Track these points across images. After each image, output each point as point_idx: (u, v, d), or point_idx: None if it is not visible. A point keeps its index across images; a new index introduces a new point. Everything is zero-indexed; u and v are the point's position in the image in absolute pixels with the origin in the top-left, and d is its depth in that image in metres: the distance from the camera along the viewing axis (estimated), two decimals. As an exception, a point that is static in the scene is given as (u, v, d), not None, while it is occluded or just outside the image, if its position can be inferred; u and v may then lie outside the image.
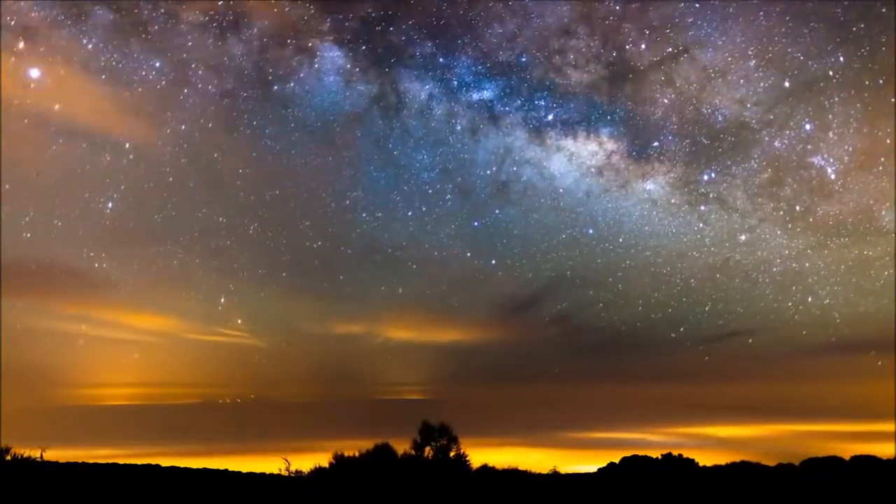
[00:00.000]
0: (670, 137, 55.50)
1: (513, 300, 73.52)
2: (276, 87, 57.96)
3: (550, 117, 58.01)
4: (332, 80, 59.92)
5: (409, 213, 66.14)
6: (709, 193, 58.53)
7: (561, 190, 62.20)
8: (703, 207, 59.75)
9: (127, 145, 56.43)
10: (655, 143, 56.62)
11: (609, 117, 57.62)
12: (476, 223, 66.63)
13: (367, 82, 60.02)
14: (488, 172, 62.76)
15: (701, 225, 60.38)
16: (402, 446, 13.22)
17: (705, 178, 57.84)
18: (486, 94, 60.95)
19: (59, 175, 55.54)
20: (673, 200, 59.94)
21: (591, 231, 63.17)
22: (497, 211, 65.84)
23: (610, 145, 58.75)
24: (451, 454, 12.87)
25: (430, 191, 64.28)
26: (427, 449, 12.97)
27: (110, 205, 58.95)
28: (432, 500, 11.03)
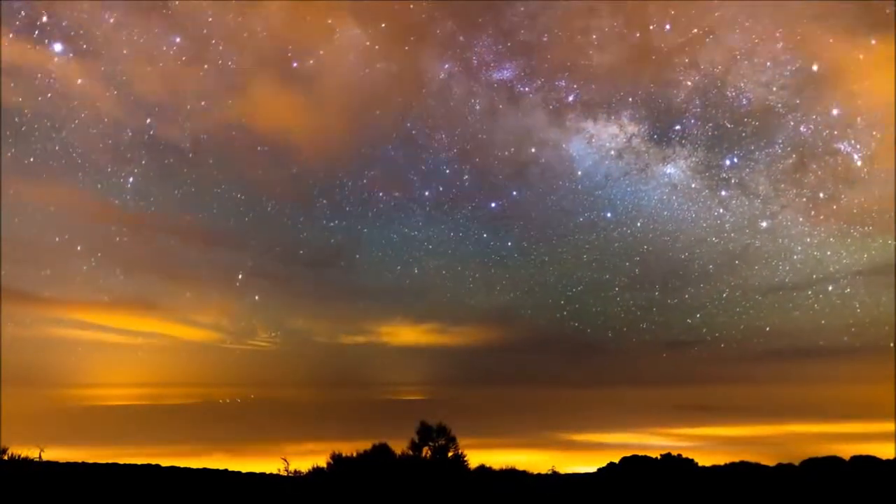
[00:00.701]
0: (693, 121, 53.47)
1: (528, 282, 71.85)
2: (295, 64, 56.73)
3: (571, 98, 56.16)
4: (351, 58, 58.35)
5: (427, 193, 64.86)
6: (730, 178, 56.19)
7: (579, 172, 60.28)
8: (723, 193, 57.44)
9: (148, 120, 56.03)
10: (677, 127, 54.69)
11: (631, 99, 55.64)
12: (493, 204, 65.02)
13: (386, 60, 58.40)
14: (506, 154, 60.86)
15: (721, 210, 58.09)
16: (402, 447, 13.17)
17: (727, 162, 55.53)
18: (506, 74, 58.83)
19: (82, 149, 55.26)
20: (693, 185, 57.91)
21: (608, 214, 61.60)
22: (514, 192, 64.18)
23: (631, 128, 56.56)
24: (450, 454, 12.84)
25: (448, 171, 62.84)
26: (425, 449, 12.93)
27: (131, 179, 58.67)
28: (429, 501, 11.00)
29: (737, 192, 56.44)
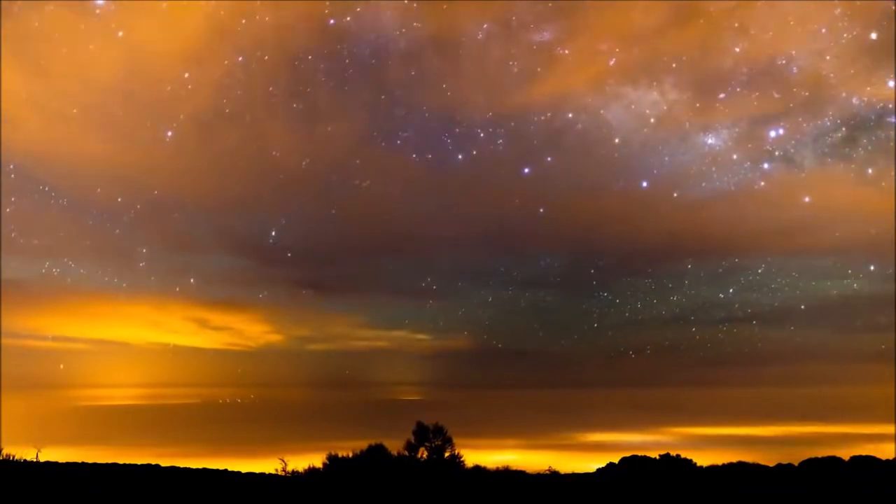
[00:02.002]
0: (738, 89, 50.56)
1: (560, 248, 69.83)
2: (332, 21, 55.37)
3: (612, 63, 53.31)
4: (388, 17, 56.48)
5: (460, 157, 63.13)
6: (774, 151, 53.43)
7: (617, 140, 57.78)
8: (766, 165, 54.72)
9: (186, 75, 55.49)
10: (722, 95, 51.82)
11: (674, 65, 52.40)
12: (526, 170, 62.89)
13: (423, 20, 56.25)
14: (542, 118, 58.56)
15: (762, 183, 55.58)
16: (398, 447, 13.13)
17: (772, 134, 52.75)
18: (546, 37, 56.13)
19: (121, 103, 54.95)
20: (734, 156, 55.29)
21: (644, 184, 59.25)
22: (549, 158, 61.86)
23: (673, 95, 53.75)
24: (446, 455, 12.81)
25: (482, 134, 60.88)
26: (421, 449, 12.90)
27: (170, 133, 58.30)
28: (424, 500, 10.97)
29: (780, 165, 53.83)
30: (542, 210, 65.12)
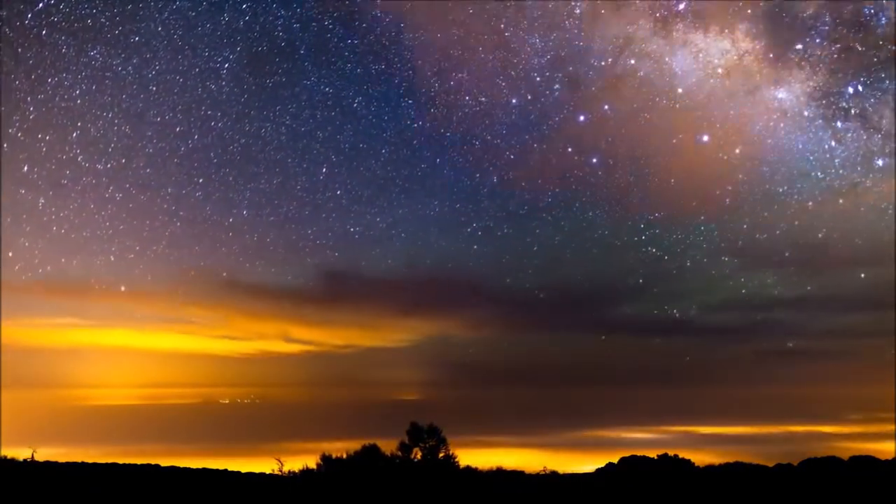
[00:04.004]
0: (818, 40, 45.31)
1: (608, 200, 67.00)
2: None
3: (682, 6, 49.85)
4: None
5: (514, 101, 61.21)
6: (850, 109, 47.51)
7: (680, 90, 53.78)
8: (839, 124, 48.48)
9: (244, 6, 54.85)
10: (798, 46, 46.27)
11: (749, 11, 48.23)
12: (582, 118, 60.34)
13: None
14: (603, 64, 55.31)
15: (833, 143, 49.64)
16: (393, 447, 13.05)
17: (850, 90, 46.67)
18: None
19: (172, 33, 54.72)
20: (806, 113, 49.48)
21: (705, 138, 55.68)
22: (606, 107, 59.30)
23: (745, 44, 47.64)
24: (440, 455, 12.71)
25: (538, 78, 58.56)
26: (415, 450, 12.80)
27: (227, 66, 57.70)
28: (417, 501, 10.90)
29: (855, 125, 48.21)
30: (594, 160, 61.98)
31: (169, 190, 66.61)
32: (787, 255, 59.79)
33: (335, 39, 58.26)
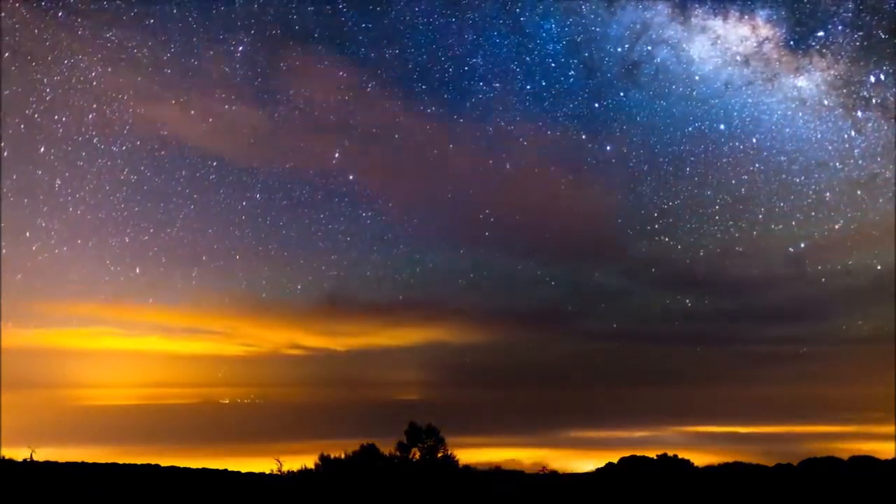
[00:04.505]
0: (840, 27, 44.42)
1: (622, 189, 65.62)
2: None
3: None
4: None
5: (528, 87, 60.27)
6: (871, 98, 46.50)
7: (697, 77, 52.37)
8: (860, 113, 47.74)
9: None
10: (820, 33, 45.40)
11: None
12: (597, 104, 59.34)
13: None
14: (619, 50, 53.48)
15: (853, 133, 48.90)
16: (391, 447, 13.04)
17: (872, 79, 45.54)
18: None
19: (187, 16, 54.87)
20: (826, 102, 48.58)
21: (722, 126, 54.21)
22: (622, 94, 58.11)
23: (765, 31, 47.47)
24: (439, 455, 12.71)
25: (553, 64, 57.47)
26: (414, 450, 12.80)
27: (241, 49, 57.59)
28: (416, 501, 10.90)
29: (876, 114, 47.23)
30: (608, 147, 60.99)
31: (183, 173, 66.46)
32: (802, 245, 58.49)
33: (349, 23, 57.62)
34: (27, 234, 62.47)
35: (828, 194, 53.82)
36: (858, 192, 52.72)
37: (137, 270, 70.39)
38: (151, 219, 68.56)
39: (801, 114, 50.46)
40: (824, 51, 46.31)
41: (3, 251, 60.93)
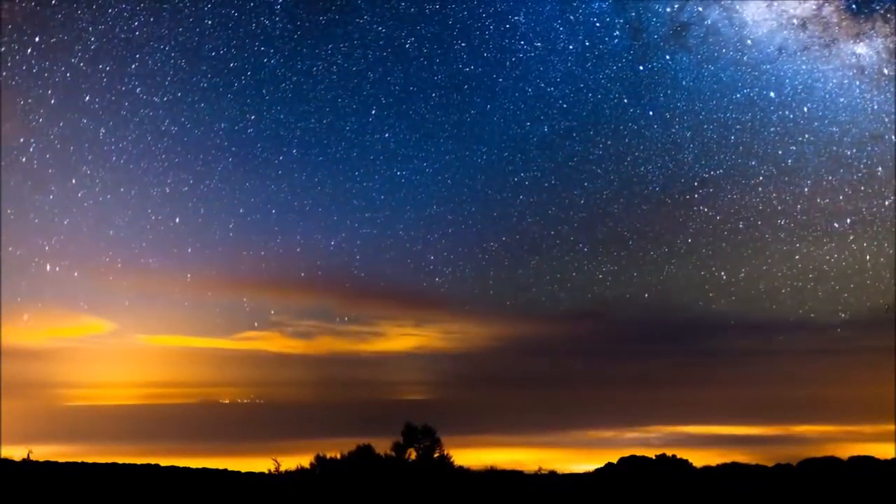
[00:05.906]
0: None
1: (662, 156, 62.64)
2: None
3: None
4: None
5: (571, 47, 57.59)
6: None
7: (749, 41, 49.06)
8: None
9: None
10: None
11: None
12: (641, 67, 53.95)
13: None
14: (668, 10, 49.84)
15: None
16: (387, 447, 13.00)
17: None
18: None
19: None
20: (886, 71, 45.75)
21: (772, 94, 50.68)
22: (668, 57, 53.25)
23: None
24: (435, 455, 12.68)
25: (598, 24, 54.60)
26: (409, 450, 12.77)
27: (280, 1, 57.53)
28: (411, 502, 10.88)
29: None
30: (651, 113, 58.62)
31: (222, 125, 66.29)
32: (848, 221, 56.00)
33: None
34: (73, 181, 62.56)
35: (879, 169, 51.32)
36: (913, 168, 49.00)
37: (177, 220, 70.65)
38: (190, 170, 68.69)
39: (857, 83, 46.79)
40: (889, 16, 43.48)
41: (51, 196, 60.97)
